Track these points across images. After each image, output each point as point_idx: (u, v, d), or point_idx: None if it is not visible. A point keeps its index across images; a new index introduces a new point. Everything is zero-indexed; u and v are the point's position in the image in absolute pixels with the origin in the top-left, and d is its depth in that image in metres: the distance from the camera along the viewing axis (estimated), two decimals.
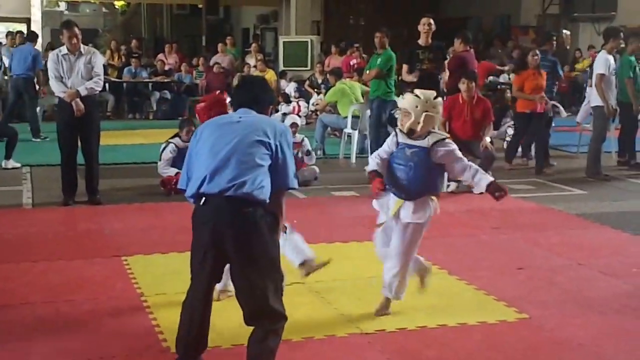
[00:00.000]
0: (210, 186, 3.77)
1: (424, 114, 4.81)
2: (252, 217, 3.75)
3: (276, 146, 3.84)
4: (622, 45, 10.97)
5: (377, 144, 11.03)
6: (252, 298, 3.85)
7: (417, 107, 4.83)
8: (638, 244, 7.14)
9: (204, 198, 3.80)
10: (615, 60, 10.61)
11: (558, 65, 11.66)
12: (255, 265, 3.79)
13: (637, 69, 10.93)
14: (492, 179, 4.88)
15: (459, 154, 4.96)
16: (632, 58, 10.97)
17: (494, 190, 4.82)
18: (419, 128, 4.82)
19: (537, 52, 10.86)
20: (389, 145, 5.01)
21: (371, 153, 10.96)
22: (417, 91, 4.94)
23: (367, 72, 11.37)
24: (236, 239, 3.75)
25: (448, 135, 5.03)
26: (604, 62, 10.31)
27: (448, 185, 9.23)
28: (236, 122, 3.94)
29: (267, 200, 3.81)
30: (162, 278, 5.77)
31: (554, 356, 4.54)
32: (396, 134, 4.99)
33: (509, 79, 16.93)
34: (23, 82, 13.61)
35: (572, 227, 7.68)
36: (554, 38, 12.19)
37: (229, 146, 3.80)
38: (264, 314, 3.86)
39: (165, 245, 6.54)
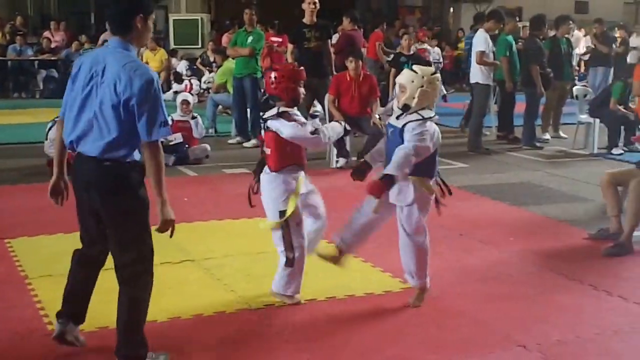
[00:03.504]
0: (71, 143, 3.85)
1: (419, 89, 4.72)
2: (108, 173, 3.76)
3: (132, 106, 3.66)
4: (499, 28, 11.32)
5: (259, 123, 11.11)
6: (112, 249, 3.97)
7: (413, 81, 4.75)
8: (515, 214, 7.47)
9: (70, 151, 3.91)
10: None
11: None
12: (113, 220, 3.84)
13: (514, 48, 11.35)
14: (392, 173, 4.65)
15: (417, 138, 4.67)
16: (509, 37, 11.38)
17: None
18: (413, 103, 4.73)
19: None
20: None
21: (253, 133, 11.05)
22: (415, 67, 4.88)
23: (235, 48, 11.22)
24: (97, 194, 3.79)
25: (429, 116, 4.76)
26: (483, 40, 10.66)
27: (337, 161, 9.43)
28: (100, 75, 3.73)
29: (123, 156, 3.75)
30: (47, 259, 5.68)
31: (437, 323, 4.73)
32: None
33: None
34: None
35: (454, 199, 7.78)
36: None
37: (88, 109, 3.76)
38: (119, 266, 3.92)
39: (51, 226, 6.44)
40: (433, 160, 4.85)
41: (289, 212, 4.80)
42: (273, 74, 4.89)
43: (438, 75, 4.91)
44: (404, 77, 4.83)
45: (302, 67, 5.08)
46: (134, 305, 3.94)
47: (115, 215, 3.84)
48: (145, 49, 17.44)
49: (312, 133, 4.81)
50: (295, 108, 4.93)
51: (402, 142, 4.71)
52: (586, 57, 17.43)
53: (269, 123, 4.83)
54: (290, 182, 4.86)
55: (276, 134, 4.80)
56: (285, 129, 4.77)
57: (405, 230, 4.91)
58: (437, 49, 19.54)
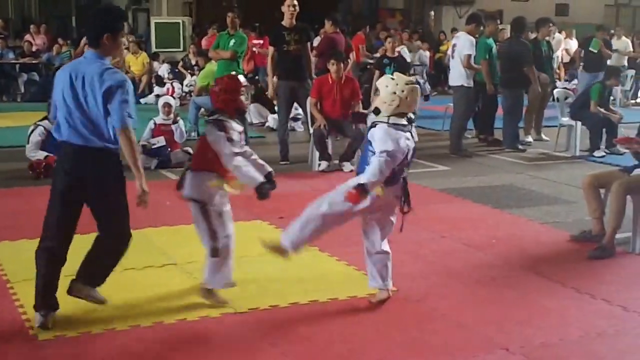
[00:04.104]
0: (60, 135, 4.57)
1: (391, 95, 4.75)
2: (89, 158, 4.51)
3: (103, 99, 4.39)
4: (479, 31, 11.33)
5: None
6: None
7: (387, 86, 4.79)
8: (497, 216, 7.50)
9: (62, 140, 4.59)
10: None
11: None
12: (97, 195, 4.59)
13: (494, 51, 11.40)
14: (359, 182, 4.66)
15: (375, 137, 4.75)
16: (489, 40, 11.43)
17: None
18: (383, 108, 4.78)
19: None
20: None
21: None
22: (395, 74, 4.93)
23: (217, 50, 11.19)
24: (86, 175, 4.52)
25: (393, 122, 4.77)
26: (470, 44, 10.66)
27: (319, 164, 9.43)
28: (81, 80, 4.44)
29: (104, 142, 4.47)
30: (29, 264, 5.59)
31: (419, 326, 4.74)
32: None
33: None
34: None
35: (437, 202, 7.97)
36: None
37: (75, 108, 4.47)
38: (109, 226, 4.69)
39: (33, 230, 6.29)
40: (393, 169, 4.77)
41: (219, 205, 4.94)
42: (215, 89, 5.04)
43: (415, 86, 4.88)
44: (380, 81, 4.90)
45: (243, 79, 5.18)
46: (118, 255, 4.75)
47: (102, 189, 4.55)
48: (128, 52, 17.41)
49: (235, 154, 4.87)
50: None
51: (368, 143, 4.80)
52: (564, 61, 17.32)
53: (208, 125, 4.98)
54: (208, 186, 4.93)
55: (205, 136, 4.95)
56: (213, 136, 4.88)
57: None
58: (427, 53, 19.68)
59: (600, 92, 10.83)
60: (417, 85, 4.97)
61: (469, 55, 10.57)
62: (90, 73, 4.44)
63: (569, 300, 5.25)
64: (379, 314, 4.92)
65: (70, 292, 4.72)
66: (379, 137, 4.73)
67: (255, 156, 5.29)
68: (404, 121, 4.81)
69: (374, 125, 4.83)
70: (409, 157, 4.85)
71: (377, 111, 4.84)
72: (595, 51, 14.83)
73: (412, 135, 4.86)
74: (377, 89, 4.92)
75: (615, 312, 5.05)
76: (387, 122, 4.76)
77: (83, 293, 4.77)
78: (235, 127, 4.96)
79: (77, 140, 4.48)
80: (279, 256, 5.00)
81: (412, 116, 4.92)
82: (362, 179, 4.69)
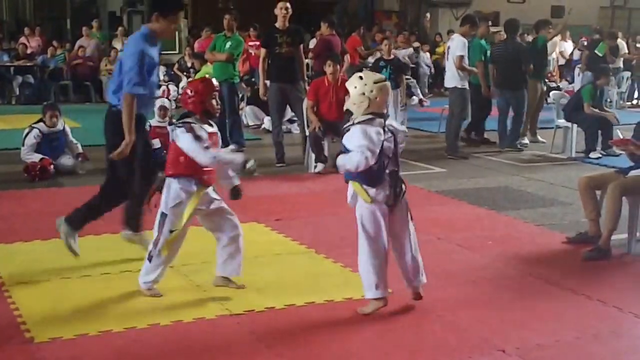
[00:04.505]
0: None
1: (359, 95, 4.66)
2: (109, 113, 5.54)
3: (121, 61, 5.32)
4: (473, 33, 11.33)
5: (237, 129, 11.10)
6: None
7: (355, 87, 4.69)
8: (493, 218, 7.50)
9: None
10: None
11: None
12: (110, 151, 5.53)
13: (488, 52, 11.40)
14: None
15: (350, 143, 4.68)
16: (483, 42, 11.43)
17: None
18: (354, 109, 4.71)
19: None
20: None
21: (231, 139, 10.99)
22: (364, 73, 4.82)
23: (213, 52, 11.14)
24: (105, 131, 5.62)
25: (359, 120, 4.69)
26: (463, 45, 10.67)
27: (315, 166, 9.43)
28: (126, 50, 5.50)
29: (112, 102, 5.47)
30: (24, 267, 5.64)
31: (415, 328, 4.74)
32: None
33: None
34: None
35: (433, 204, 7.96)
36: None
37: (118, 73, 5.41)
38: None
39: (28, 232, 6.40)
40: (370, 167, 4.68)
41: (176, 223, 5.00)
42: (187, 90, 5.09)
43: (385, 84, 4.76)
44: (350, 82, 4.81)
45: (216, 83, 5.25)
46: (105, 200, 5.66)
47: (112, 147, 5.39)
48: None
49: (206, 147, 4.88)
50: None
51: (344, 147, 4.73)
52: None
53: (175, 129, 5.00)
54: (180, 193, 4.97)
55: (175, 141, 4.98)
56: (179, 138, 4.93)
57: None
58: (427, 54, 19.67)
59: (591, 93, 10.85)
60: (387, 82, 4.83)
61: (461, 57, 10.58)
62: (127, 43, 5.43)
63: (565, 301, 5.25)
64: (375, 315, 4.90)
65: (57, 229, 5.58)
66: (354, 137, 4.64)
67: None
68: (369, 116, 4.69)
69: (347, 130, 4.74)
70: (388, 154, 4.74)
71: (348, 112, 4.80)
72: (601, 55, 14.96)
73: (388, 128, 4.74)
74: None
75: (611, 313, 5.06)
76: (355, 123, 4.69)
77: (63, 233, 5.53)
78: (205, 128, 4.99)
79: (112, 101, 5.37)
80: (381, 307, 4.90)
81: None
82: (341, 158, 4.69)
